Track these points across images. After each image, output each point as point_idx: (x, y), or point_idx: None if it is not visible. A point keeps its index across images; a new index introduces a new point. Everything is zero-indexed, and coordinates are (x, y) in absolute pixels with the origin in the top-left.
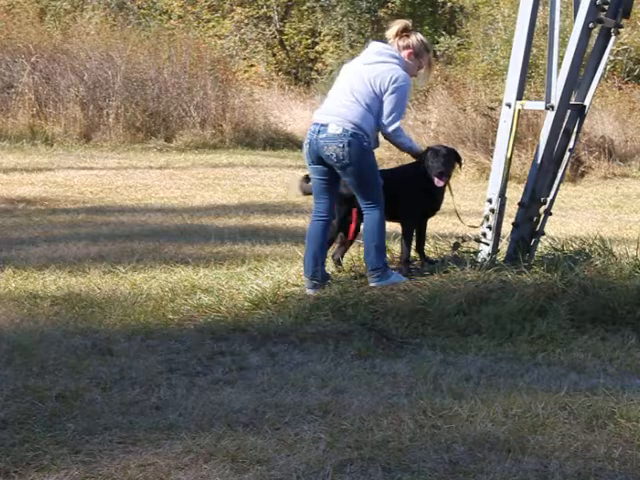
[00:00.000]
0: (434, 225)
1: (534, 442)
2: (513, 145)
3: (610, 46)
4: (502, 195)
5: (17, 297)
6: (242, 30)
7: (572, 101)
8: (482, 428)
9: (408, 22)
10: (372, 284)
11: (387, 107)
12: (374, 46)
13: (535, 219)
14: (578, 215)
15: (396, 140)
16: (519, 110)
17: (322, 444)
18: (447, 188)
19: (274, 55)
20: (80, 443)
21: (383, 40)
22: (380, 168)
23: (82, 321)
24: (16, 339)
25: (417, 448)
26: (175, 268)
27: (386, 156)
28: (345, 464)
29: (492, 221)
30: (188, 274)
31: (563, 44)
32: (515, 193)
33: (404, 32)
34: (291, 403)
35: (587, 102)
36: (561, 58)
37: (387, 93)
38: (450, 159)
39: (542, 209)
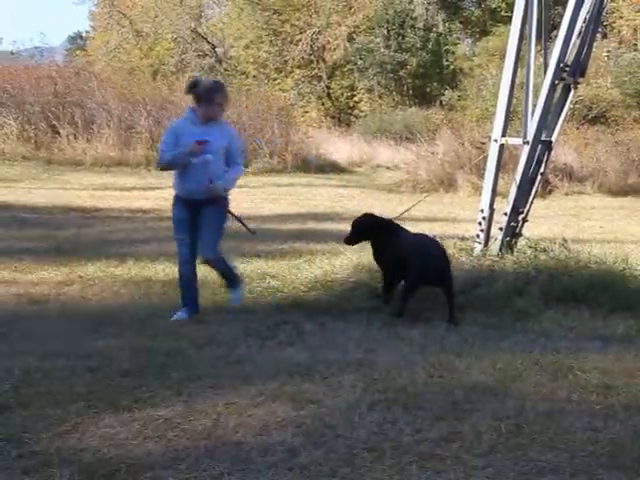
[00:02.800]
0: (439, 227)
1: (514, 388)
2: (499, 170)
3: (570, 97)
4: (491, 206)
5: (136, 281)
6: (300, 86)
7: (542, 138)
8: (476, 378)
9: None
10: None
11: None
12: None
13: (515, 224)
14: (547, 221)
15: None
16: (503, 144)
17: (358, 389)
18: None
19: (323, 104)
20: (182, 387)
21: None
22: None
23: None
24: (135, 312)
25: (428, 392)
26: (251, 260)
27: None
28: (375, 404)
29: (483, 225)
30: (260, 264)
31: (536, 96)
32: (500, 205)
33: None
34: (335, 359)
35: (554, 138)
36: (534, 106)
37: None
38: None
39: (520, 217)
